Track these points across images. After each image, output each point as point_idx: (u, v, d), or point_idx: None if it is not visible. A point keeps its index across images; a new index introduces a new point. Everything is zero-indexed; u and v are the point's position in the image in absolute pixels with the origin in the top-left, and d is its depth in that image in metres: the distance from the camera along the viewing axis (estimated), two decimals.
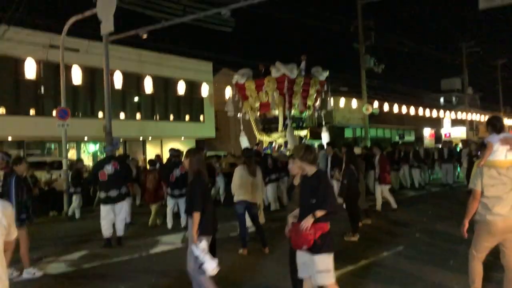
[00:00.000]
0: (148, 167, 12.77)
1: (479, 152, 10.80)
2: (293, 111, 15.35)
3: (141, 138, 24.68)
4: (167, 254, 7.61)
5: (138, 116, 24.05)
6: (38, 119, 19.26)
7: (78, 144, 21.86)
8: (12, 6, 12.91)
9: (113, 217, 8.18)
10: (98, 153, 22.03)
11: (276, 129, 15.46)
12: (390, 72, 73.80)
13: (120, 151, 21.19)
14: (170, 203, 9.67)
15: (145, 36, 13.87)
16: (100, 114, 20.83)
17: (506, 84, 46.20)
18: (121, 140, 19.91)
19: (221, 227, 9.35)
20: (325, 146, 13.04)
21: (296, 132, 15.51)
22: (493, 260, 4.93)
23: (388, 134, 38.29)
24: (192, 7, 13.70)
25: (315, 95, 15.90)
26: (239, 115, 16.47)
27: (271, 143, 15.57)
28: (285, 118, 14.99)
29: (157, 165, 11.29)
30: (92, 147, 22.70)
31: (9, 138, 19.24)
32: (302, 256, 4.14)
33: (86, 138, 21.45)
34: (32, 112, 19.72)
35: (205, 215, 4.68)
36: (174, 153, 10.08)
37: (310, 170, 4.21)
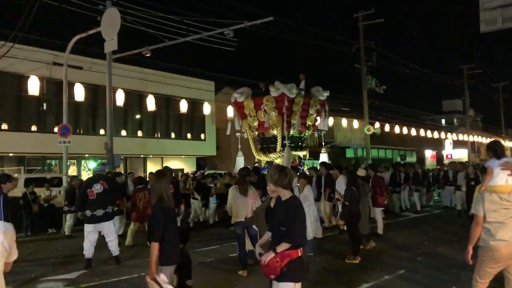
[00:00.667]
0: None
1: (479, 175, 10.75)
2: (291, 131, 15.17)
3: (142, 156, 24.67)
4: None
5: (139, 133, 24.08)
6: (39, 136, 19.29)
7: (78, 161, 21.84)
8: (17, 23, 13.03)
9: (96, 237, 8.10)
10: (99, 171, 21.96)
11: (274, 149, 15.16)
12: (391, 93, 74.25)
13: (121, 168, 21.17)
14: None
15: (148, 54, 13.96)
16: (102, 131, 20.87)
17: (508, 106, 46.40)
18: (122, 158, 19.89)
19: (220, 248, 9.37)
20: (319, 167, 12.93)
21: (295, 152, 15.34)
22: (497, 287, 4.85)
23: (390, 155, 38.26)
24: (196, 26, 13.85)
25: (315, 115, 15.69)
26: (237, 134, 16.25)
27: (269, 162, 15.19)
28: (283, 138, 14.75)
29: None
30: (93, 164, 22.67)
31: (10, 154, 19.23)
32: (274, 286, 3.88)
33: (87, 155, 21.44)
34: (33, 128, 19.76)
35: (167, 244, 4.37)
36: (167, 171, 10.02)
37: (284, 195, 3.94)
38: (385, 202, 11.07)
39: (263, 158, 15.51)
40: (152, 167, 24.76)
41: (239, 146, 16.26)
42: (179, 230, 4.77)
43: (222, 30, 12.75)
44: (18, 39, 13.94)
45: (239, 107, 15.65)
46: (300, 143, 15.98)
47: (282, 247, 3.70)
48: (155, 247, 4.24)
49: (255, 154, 15.95)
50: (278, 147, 14.82)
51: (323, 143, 17.28)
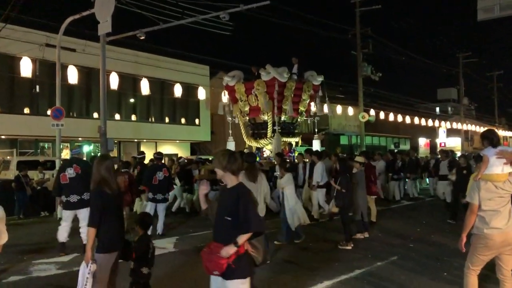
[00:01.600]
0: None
1: (470, 165, 10.70)
2: (283, 117, 14.82)
3: (135, 140, 24.57)
4: (159, 258, 7.50)
5: (133, 117, 23.95)
6: (32, 118, 19.14)
7: (72, 144, 21.71)
8: (9, 3, 12.81)
9: (70, 224, 7.81)
10: (92, 154, 21.88)
11: (265, 135, 14.81)
12: (386, 81, 74.18)
13: (114, 153, 21.09)
14: (148, 207, 9.34)
15: (143, 37, 13.79)
16: (95, 115, 20.74)
17: (502, 95, 46.55)
18: (115, 142, 19.79)
19: (200, 236, 9.34)
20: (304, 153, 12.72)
21: (287, 139, 15.03)
22: (488, 274, 4.88)
23: (384, 143, 38.37)
24: (191, 9, 13.68)
25: (308, 100, 15.33)
26: (229, 118, 15.97)
27: (259, 149, 15.03)
28: (274, 124, 14.45)
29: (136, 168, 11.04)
30: (86, 148, 22.56)
31: (2, 137, 19.08)
32: (214, 282, 3.62)
33: (80, 138, 21.32)
34: (26, 110, 19.59)
35: (106, 230, 4.23)
36: (158, 156, 9.98)
37: (231, 181, 3.67)
38: (378, 191, 11.08)
39: (254, 144, 15.24)
40: (146, 151, 24.68)
41: (230, 131, 16.09)
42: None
43: (218, 13, 12.59)
44: (10, 19, 13.74)
45: (230, 91, 15.38)
46: (292, 129, 15.65)
47: (243, 238, 3.44)
48: (91, 232, 4.18)
49: (245, 139, 15.71)
50: (269, 133, 14.50)
51: (316, 130, 17.03)
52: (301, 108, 15.23)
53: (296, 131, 15.97)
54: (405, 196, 15.49)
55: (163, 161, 10.32)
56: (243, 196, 3.57)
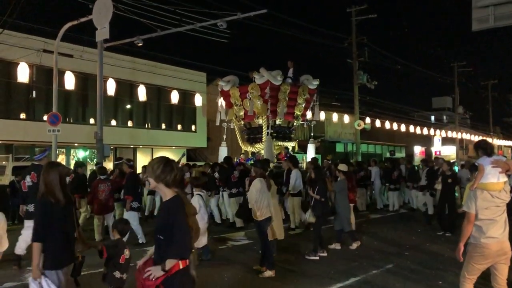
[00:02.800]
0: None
1: (455, 172, 10.58)
2: (278, 121, 14.63)
3: (132, 146, 24.53)
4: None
5: (130, 123, 23.93)
6: (28, 123, 19.08)
7: (68, 150, 21.65)
8: (7, 9, 12.84)
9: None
10: (88, 160, 21.83)
11: (260, 140, 14.56)
12: (382, 89, 74.47)
13: (110, 159, 21.06)
14: (133, 216, 8.95)
15: (140, 44, 13.84)
16: (92, 121, 20.69)
17: (496, 104, 46.83)
18: (111, 147, 19.75)
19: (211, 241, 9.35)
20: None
21: (282, 143, 14.86)
22: (484, 283, 4.91)
23: (379, 150, 38.49)
24: (189, 17, 13.76)
25: (304, 104, 15.10)
26: (223, 124, 15.83)
27: (254, 153, 14.87)
28: (268, 127, 14.24)
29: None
30: (82, 153, 22.50)
31: None
32: None
33: (76, 144, 21.27)
34: (22, 116, 19.54)
35: (51, 245, 3.83)
36: (129, 163, 9.64)
37: (164, 194, 3.27)
38: (356, 199, 10.60)
39: (249, 149, 15.12)
40: (142, 157, 24.66)
41: (224, 136, 15.96)
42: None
43: (215, 21, 12.67)
44: (7, 25, 13.75)
45: (225, 96, 15.29)
46: (288, 133, 15.44)
47: (169, 263, 3.11)
48: (36, 248, 3.79)
49: (241, 144, 15.57)
50: (264, 137, 14.28)
51: (312, 135, 16.83)
52: (297, 112, 15.09)
53: (292, 135, 15.82)
54: (404, 205, 14.99)
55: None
56: (173, 214, 3.16)
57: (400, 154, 38.47)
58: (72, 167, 10.86)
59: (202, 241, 7.11)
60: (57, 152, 14.21)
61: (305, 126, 16.90)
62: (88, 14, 12.14)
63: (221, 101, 15.77)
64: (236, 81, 15.25)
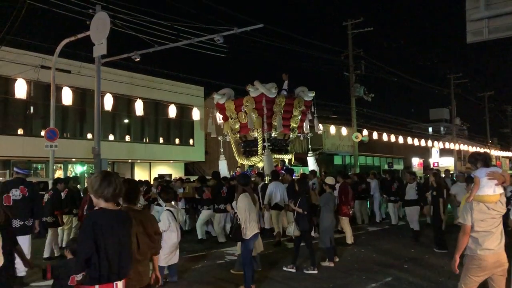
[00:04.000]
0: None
1: (441, 183, 10.29)
2: (273, 133, 14.48)
3: (129, 160, 24.51)
4: None
5: (127, 138, 23.94)
6: (26, 139, 19.09)
7: (65, 165, 21.63)
8: (5, 26, 12.91)
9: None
10: (86, 175, 21.80)
11: (256, 152, 14.37)
12: (379, 101, 74.81)
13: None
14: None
15: (138, 59, 13.90)
16: (89, 135, 20.72)
17: (493, 115, 47.04)
18: (109, 162, 19.73)
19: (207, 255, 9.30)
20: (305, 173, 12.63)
21: (278, 156, 14.72)
22: None
23: (377, 162, 38.50)
24: (186, 32, 13.84)
25: (299, 116, 15.02)
26: (219, 137, 15.80)
27: (251, 167, 14.70)
28: (264, 140, 14.12)
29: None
30: (80, 168, 22.47)
31: None
32: None
33: (73, 159, 21.25)
34: (20, 131, 19.55)
35: None
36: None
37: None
38: (350, 212, 10.49)
39: (246, 162, 15.02)
40: (140, 172, 24.63)
41: (221, 150, 15.95)
42: None
43: (212, 36, 12.74)
44: (5, 41, 13.83)
45: (221, 109, 15.30)
46: (284, 146, 15.33)
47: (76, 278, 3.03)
48: None
49: (237, 158, 15.46)
50: (259, 150, 14.22)
51: (310, 147, 16.67)
52: (293, 125, 15.04)
53: (288, 148, 15.66)
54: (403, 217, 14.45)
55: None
56: (83, 227, 3.15)
57: (399, 166, 38.49)
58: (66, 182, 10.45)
59: (172, 259, 6.85)
60: (54, 167, 14.19)
61: (302, 138, 16.68)
62: (86, 30, 12.22)
63: (213, 114, 15.81)
64: (232, 94, 15.25)
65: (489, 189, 4.28)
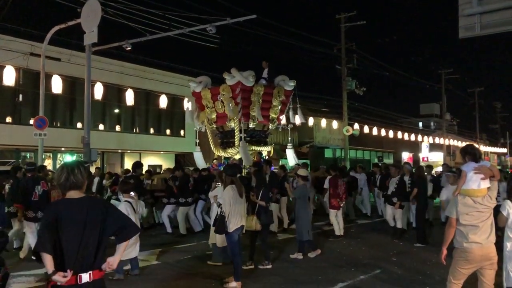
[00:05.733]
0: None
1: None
2: (251, 124, 13.81)
3: (119, 151, 24.35)
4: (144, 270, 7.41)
5: (117, 128, 23.76)
6: (14, 127, 18.84)
7: (54, 154, 21.42)
8: None
9: None
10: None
11: (233, 144, 13.56)
12: (371, 96, 75.05)
13: (98, 163, 20.87)
14: (30, 228, 8.15)
15: (129, 48, 13.76)
16: (79, 125, 20.51)
17: (483, 111, 47.45)
18: (99, 152, 19.59)
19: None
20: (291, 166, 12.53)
21: (257, 148, 13.95)
22: None
23: (368, 156, 38.67)
24: (178, 22, 13.72)
25: (279, 106, 14.15)
26: (196, 127, 15.10)
27: (227, 159, 13.91)
28: (240, 131, 13.34)
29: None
30: (69, 158, 22.28)
31: None
32: None
33: (63, 149, 21.05)
34: (8, 119, 19.30)
35: None
36: (30, 167, 8.51)
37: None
38: (341, 205, 10.39)
39: (222, 154, 14.28)
40: (130, 162, 24.44)
41: (196, 141, 15.26)
42: None
43: (205, 26, 12.64)
44: None
45: (197, 97, 14.49)
46: (263, 138, 14.49)
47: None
48: None
49: (213, 149, 14.69)
50: (236, 142, 13.37)
51: (290, 139, 16.10)
52: (272, 115, 14.19)
53: (268, 139, 14.79)
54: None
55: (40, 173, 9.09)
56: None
57: (388, 160, 38.68)
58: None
59: (131, 253, 6.70)
60: (43, 156, 14.06)
61: (280, 129, 15.86)
62: (76, 17, 12.07)
63: (188, 103, 15.09)
64: (209, 82, 14.38)
65: (474, 183, 4.32)
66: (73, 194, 3.12)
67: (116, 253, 3.22)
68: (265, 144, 14.49)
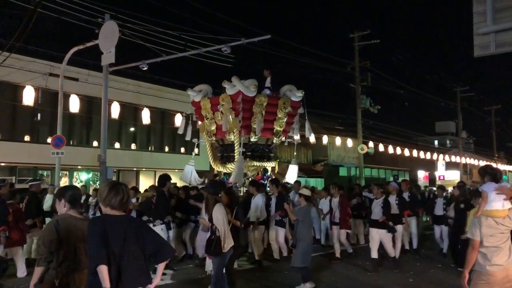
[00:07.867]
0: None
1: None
2: (253, 137, 12.50)
3: (135, 169, 24.54)
4: None
5: (133, 146, 24.01)
6: (32, 146, 19.17)
7: (71, 172, 21.68)
8: (15, 33, 13.05)
9: None
10: (91, 182, 21.85)
11: (233, 159, 12.30)
12: (385, 114, 74.71)
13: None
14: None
15: (145, 68, 13.98)
16: (95, 143, 20.78)
17: (500, 129, 46.82)
18: (114, 170, 19.77)
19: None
20: (293, 183, 12.09)
21: (260, 163, 12.83)
22: None
23: (383, 175, 38.36)
24: (194, 42, 13.95)
25: (285, 118, 12.86)
26: (194, 140, 14.38)
27: (227, 175, 12.73)
28: (240, 145, 12.19)
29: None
30: (85, 176, 22.51)
31: (2, 164, 19.07)
32: None
33: (79, 167, 21.31)
34: (27, 138, 19.65)
35: None
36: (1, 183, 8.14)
37: None
38: (349, 224, 10.26)
39: (221, 169, 13.20)
40: (145, 180, 24.62)
41: (193, 153, 14.43)
42: None
43: (220, 46, 12.80)
44: (15, 48, 13.95)
45: (196, 108, 13.57)
46: (267, 152, 13.24)
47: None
48: None
49: (212, 164, 13.84)
50: (236, 156, 12.10)
51: (295, 154, 15.32)
52: (277, 128, 12.87)
53: (272, 154, 13.46)
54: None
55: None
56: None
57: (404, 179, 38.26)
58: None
59: None
60: (60, 174, 14.24)
61: (286, 144, 14.69)
62: (94, 38, 12.33)
63: (183, 115, 14.49)
64: (209, 91, 13.33)
65: (498, 203, 4.24)
66: (116, 212, 3.29)
67: (156, 275, 3.35)
68: (269, 159, 13.25)
